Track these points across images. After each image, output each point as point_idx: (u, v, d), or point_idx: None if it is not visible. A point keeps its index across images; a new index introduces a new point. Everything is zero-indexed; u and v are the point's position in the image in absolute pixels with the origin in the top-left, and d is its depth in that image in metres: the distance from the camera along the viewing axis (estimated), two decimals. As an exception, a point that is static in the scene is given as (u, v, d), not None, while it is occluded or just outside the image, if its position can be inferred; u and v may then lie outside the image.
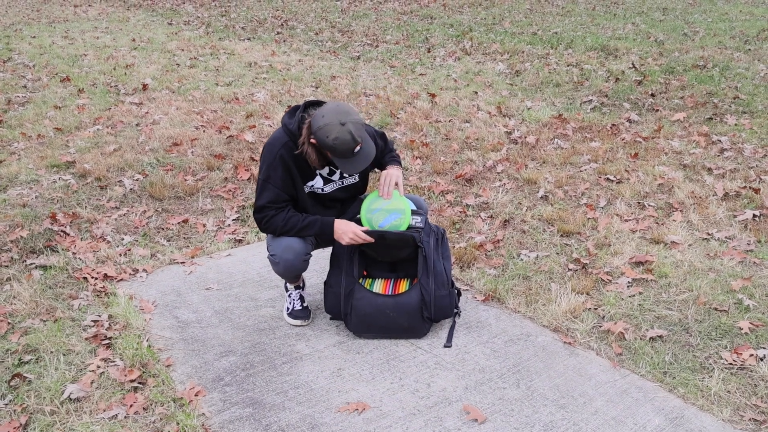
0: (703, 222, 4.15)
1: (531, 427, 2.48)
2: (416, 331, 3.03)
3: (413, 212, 3.04)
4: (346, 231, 2.89)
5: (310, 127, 2.75)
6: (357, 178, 3.09)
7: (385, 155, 3.17)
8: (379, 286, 3.04)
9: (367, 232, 2.88)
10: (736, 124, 5.93)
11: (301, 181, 2.94)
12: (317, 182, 2.98)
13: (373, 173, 3.24)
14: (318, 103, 2.89)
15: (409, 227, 3.02)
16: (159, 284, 3.59)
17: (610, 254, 3.78)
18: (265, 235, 4.07)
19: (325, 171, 2.99)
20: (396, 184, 3.02)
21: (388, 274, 3.09)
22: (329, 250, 3.18)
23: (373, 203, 3.02)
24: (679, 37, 10.20)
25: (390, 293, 2.99)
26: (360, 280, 3.03)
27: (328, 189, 3.02)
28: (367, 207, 3.02)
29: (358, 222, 3.04)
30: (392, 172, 3.05)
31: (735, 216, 4.19)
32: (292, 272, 3.04)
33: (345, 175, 3.03)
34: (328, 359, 2.91)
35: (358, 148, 2.74)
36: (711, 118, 6.15)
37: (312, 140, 2.77)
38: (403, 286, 3.04)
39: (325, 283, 3.09)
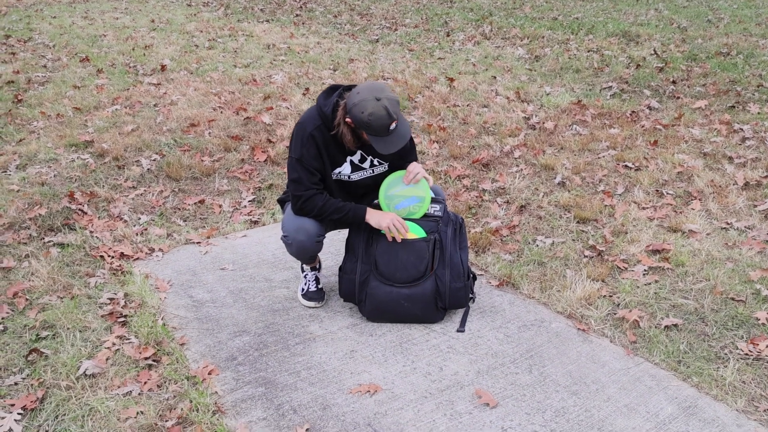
0: (722, 211, 4.09)
1: (542, 412, 2.47)
2: (430, 319, 3.03)
3: (433, 200, 3.00)
4: (385, 215, 2.90)
5: (345, 106, 2.73)
6: (387, 167, 3.04)
7: (410, 159, 3.10)
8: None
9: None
10: (759, 113, 5.84)
11: (330, 167, 2.91)
12: (345, 169, 2.95)
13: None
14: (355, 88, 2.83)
15: (426, 215, 3.00)
16: (174, 264, 3.61)
17: (627, 242, 3.75)
18: (281, 216, 4.08)
19: (356, 157, 2.95)
20: (425, 177, 2.96)
21: None
22: (345, 232, 3.17)
23: (392, 186, 2.97)
24: (702, 23, 10.03)
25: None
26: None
27: (355, 177, 2.98)
28: (386, 190, 2.98)
29: (377, 208, 3.02)
30: (420, 166, 2.96)
31: (755, 206, 4.13)
32: (305, 253, 3.03)
33: (375, 162, 3.00)
34: (341, 341, 2.92)
35: (393, 125, 2.70)
36: (733, 107, 6.06)
37: (347, 119, 2.74)
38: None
39: (340, 269, 3.08)
